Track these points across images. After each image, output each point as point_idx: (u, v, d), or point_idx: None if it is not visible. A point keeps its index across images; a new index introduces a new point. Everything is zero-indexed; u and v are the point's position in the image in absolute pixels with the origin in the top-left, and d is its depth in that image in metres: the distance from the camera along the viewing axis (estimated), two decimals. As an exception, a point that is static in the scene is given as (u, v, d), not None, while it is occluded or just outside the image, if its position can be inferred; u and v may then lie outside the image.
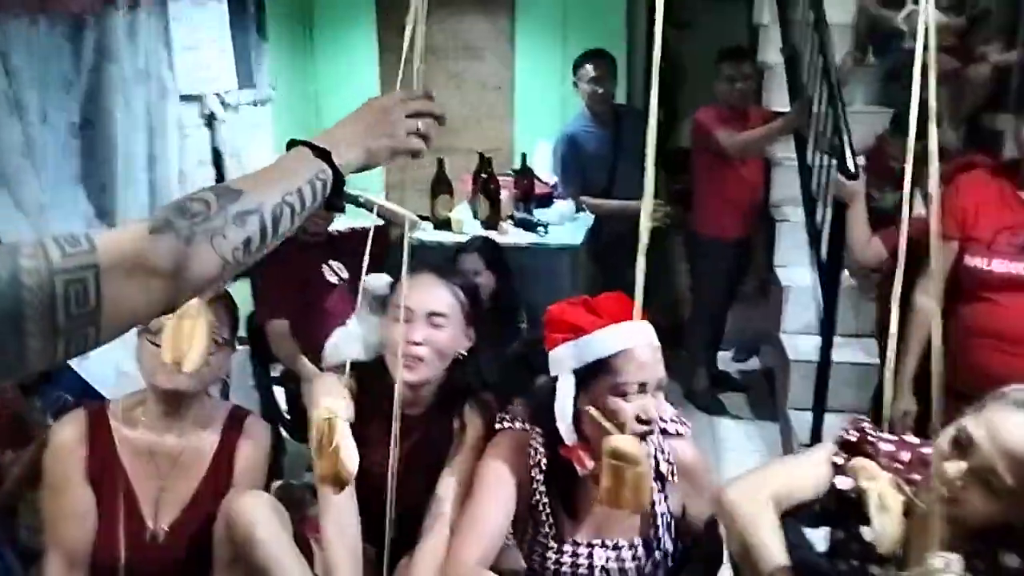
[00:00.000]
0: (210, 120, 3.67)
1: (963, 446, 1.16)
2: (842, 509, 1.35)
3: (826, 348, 2.68)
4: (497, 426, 1.57)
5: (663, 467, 1.50)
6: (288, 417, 2.83)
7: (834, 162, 2.64)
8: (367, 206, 3.04)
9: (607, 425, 1.33)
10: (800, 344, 3.21)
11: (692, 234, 3.65)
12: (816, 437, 2.68)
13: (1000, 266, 2.00)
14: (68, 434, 1.46)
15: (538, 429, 1.51)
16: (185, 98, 3.40)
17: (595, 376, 1.39)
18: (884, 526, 1.23)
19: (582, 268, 3.45)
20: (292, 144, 0.92)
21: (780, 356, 3.34)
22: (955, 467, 1.16)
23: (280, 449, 1.72)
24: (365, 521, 1.54)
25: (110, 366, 2.40)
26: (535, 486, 1.50)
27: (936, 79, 1.36)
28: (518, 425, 1.55)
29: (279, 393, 2.90)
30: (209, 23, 3.62)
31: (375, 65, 4.71)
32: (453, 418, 1.63)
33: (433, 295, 1.60)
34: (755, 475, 1.39)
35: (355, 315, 2.73)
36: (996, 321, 2.01)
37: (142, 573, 1.46)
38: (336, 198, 0.90)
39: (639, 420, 1.36)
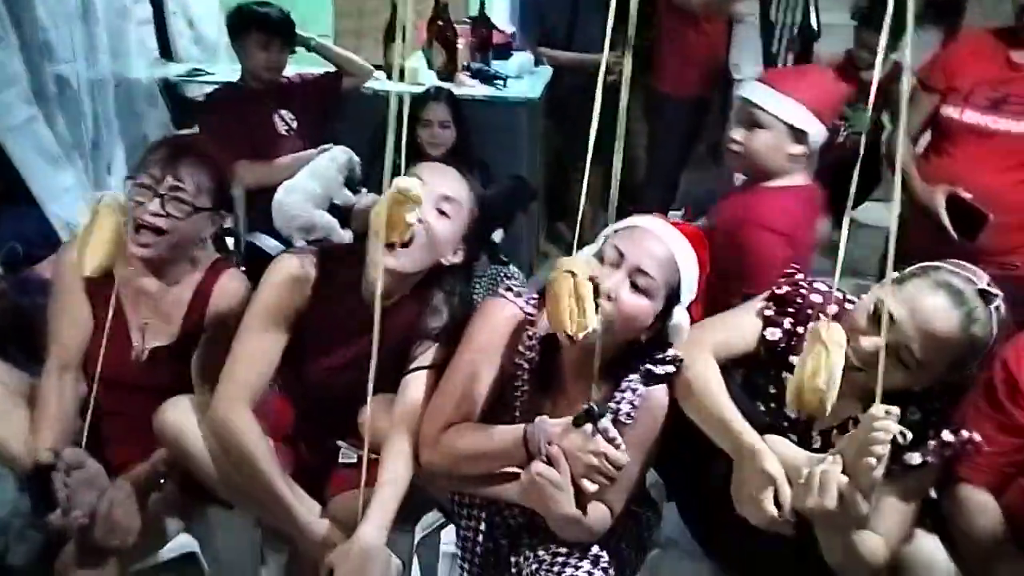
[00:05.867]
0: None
1: (879, 320, 1.20)
2: (771, 358, 1.43)
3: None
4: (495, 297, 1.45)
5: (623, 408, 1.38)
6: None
7: (797, 19, 2.61)
8: (319, 51, 2.92)
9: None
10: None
11: (651, 90, 3.61)
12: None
13: (970, 117, 2.05)
14: (73, 255, 1.55)
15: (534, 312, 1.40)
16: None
17: None
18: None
19: (540, 123, 3.40)
20: None
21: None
22: (871, 342, 1.21)
23: None
24: (319, 414, 1.57)
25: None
26: (518, 372, 1.42)
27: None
28: (518, 302, 1.43)
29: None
30: None
31: None
32: (421, 314, 1.51)
33: (448, 179, 1.46)
34: (694, 332, 1.41)
35: (307, 167, 2.70)
36: (949, 174, 2.07)
37: (125, 386, 1.59)
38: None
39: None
